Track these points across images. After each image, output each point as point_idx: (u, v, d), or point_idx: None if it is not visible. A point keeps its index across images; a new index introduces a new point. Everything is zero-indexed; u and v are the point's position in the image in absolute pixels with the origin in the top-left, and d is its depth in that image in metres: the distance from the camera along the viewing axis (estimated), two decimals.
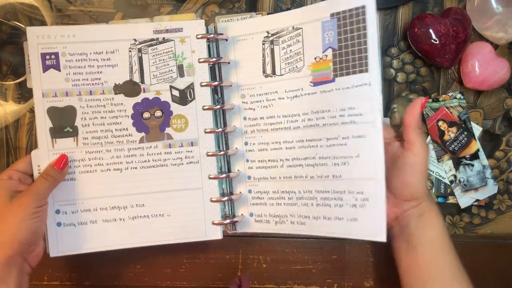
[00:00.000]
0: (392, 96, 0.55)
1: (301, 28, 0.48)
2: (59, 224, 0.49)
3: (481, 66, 0.52)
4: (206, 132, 0.50)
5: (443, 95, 0.55)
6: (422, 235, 0.45)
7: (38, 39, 0.48)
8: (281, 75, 0.49)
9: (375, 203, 0.44)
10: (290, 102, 0.49)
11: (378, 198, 0.43)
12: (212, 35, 0.49)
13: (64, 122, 0.49)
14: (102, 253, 0.49)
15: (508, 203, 0.56)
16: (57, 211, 0.49)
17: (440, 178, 0.55)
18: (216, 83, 0.50)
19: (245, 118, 0.51)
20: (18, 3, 0.55)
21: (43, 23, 0.54)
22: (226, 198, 0.50)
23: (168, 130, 0.50)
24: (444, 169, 0.55)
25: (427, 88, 0.55)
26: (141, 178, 0.50)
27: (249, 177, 0.51)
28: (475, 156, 0.54)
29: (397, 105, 0.55)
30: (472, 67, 0.52)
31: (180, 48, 0.50)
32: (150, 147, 0.50)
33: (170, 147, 0.50)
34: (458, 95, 0.54)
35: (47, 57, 0.48)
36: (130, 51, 0.49)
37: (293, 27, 0.48)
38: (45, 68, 0.48)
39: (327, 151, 0.46)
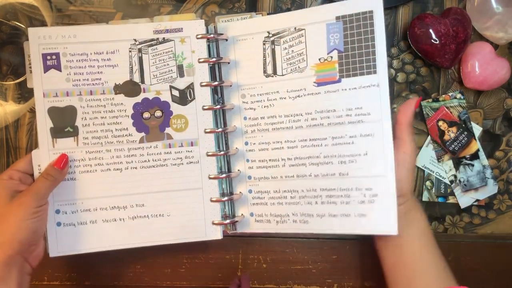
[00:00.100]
0: (392, 96, 0.55)
1: (304, 29, 0.48)
2: (59, 224, 0.49)
3: (481, 66, 0.52)
4: (206, 132, 0.50)
5: (443, 95, 0.55)
6: (408, 233, 0.46)
7: (39, 40, 0.48)
8: (282, 75, 0.49)
9: (385, 199, 0.45)
10: (292, 102, 0.49)
11: (389, 193, 0.45)
12: (212, 35, 0.49)
13: (64, 122, 0.49)
14: (102, 253, 0.49)
15: (508, 203, 0.56)
16: (57, 211, 0.49)
17: (440, 178, 0.55)
18: (216, 83, 0.50)
19: (245, 118, 0.51)
20: (18, 3, 0.55)
21: (43, 23, 0.54)
22: (226, 198, 0.50)
23: (168, 130, 0.50)
24: (444, 169, 0.55)
25: (427, 88, 0.55)
26: (141, 178, 0.50)
27: (249, 177, 0.51)
28: (475, 156, 0.54)
29: (397, 105, 0.55)
30: (472, 67, 0.52)
31: (180, 48, 0.50)
32: (150, 147, 0.50)
33: (170, 147, 0.50)
34: (458, 95, 0.55)
35: (48, 57, 0.48)
36: (130, 51, 0.49)
37: (295, 28, 0.48)
38: (46, 68, 0.48)
39: (333, 149, 0.47)
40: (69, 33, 0.48)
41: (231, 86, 0.51)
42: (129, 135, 0.50)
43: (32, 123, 0.55)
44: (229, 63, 0.50)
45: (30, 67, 0.49)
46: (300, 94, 0.49)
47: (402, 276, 0.46)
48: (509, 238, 0.56)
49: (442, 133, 0.54)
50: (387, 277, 0.48)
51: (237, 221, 0.51)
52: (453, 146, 0.54)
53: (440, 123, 0.54)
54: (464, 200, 0.55)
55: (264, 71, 0.50)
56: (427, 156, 0.55)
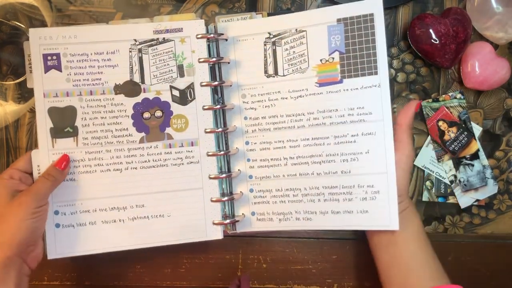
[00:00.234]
0: (392, 96, 0.55)
1: (305, 31, 0.48)
2: (57, 225, 0.49)
3: (481, 66, 0.52)
4: (206, 132, 0.50)
5: (443, 95, 0.55)
6: (404, 231, 0.47)
7: (40, 40, 0.48)
8: (283, 75, 0.49)
9: (386, 195, 0.47)
10: (294, 102, 0.49)
11: (390, 189, 0.46)
12: (212, 35, 0.49)
13: (64, 122, 0.49)
14: (102, 253, 0.49)
15: (508, 203, 0.56)
16: (56, 212, 0.49)
17: (440, 178, 0.55)
18: (216, 83, 0.50)
19: (246, 118, 0.51)
20: (18, 3, 0.55)
21: (43, 23, 0.54)
22: (226, 198, 0.50)
23: (168, 130, 0.50)
24: (444, 169, 0.55)
25: (427, 88, 0.55)
26: (141, 178, 0.50)
27: (250, 177, 0.51)
28: (475, 156, 0.55)
29: (397, 105, 0.55)
30: (472, 67, 0.52)
31: (180, 48, 0.50)
32: (150, 147, 0.50)
33: (170, 147, 0.50)
34: (458, 95, 0.55)
35: (49, 57, 0.48)
36: (130, 51, 0.49)
37: (296, 30, 0.49)
38: (47, 68, 0.48)
39: (335, 148, 0.48)
40: (69, 34, 0.48)
41: (231, 86, 0.51)
42: (129, 135, 0.50)
43: (32, 123, 0.55)
44: (229, 63, 0.50)
45: (30, 67, 0.49)
46: (302, 94, 0.49)
47: (396, 274, 0.47)
48: (509, 238, 0.56)
49: (442, 133, 0.54)
50: (381, 276, 0.48)
51: (237, 221, 0.51)
52: (453, 146, 0.54)
53: (440, 123, 0.54)
54: (464, 200, 0.55)
55: (265, 72, 0.50)
56: (427, 156, 0.55)
